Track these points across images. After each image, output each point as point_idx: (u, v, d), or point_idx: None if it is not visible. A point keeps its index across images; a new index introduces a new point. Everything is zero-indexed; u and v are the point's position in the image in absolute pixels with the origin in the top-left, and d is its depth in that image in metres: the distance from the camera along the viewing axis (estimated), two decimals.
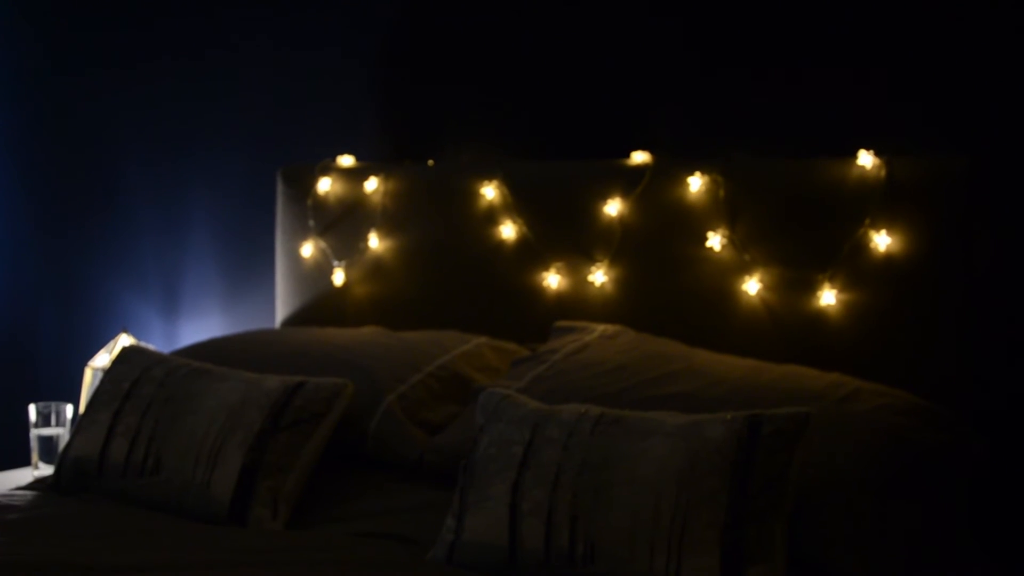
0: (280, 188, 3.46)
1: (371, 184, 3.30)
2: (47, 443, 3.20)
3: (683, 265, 2.89)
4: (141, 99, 3.90)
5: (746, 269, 2.82)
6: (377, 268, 3.30)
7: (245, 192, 3.71)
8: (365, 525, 2.49)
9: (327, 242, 3.37)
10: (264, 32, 3.69)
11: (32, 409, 3.21)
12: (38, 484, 2.81)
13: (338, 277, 3.34)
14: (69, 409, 3.25)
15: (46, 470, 3.13)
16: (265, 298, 3.64)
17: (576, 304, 3.01)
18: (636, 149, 2.99)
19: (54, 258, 4.10)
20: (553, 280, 3.04)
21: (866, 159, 2.70)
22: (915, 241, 2.65)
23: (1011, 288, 2.69)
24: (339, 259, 3.35)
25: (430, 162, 3.33)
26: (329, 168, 3.39)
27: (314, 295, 3.40)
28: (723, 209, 2.84)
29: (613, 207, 2.95)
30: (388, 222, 3.28)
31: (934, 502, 2.36)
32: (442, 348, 2.91)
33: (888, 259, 2.67)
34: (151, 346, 3.38)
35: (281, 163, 3.50)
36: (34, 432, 3.21)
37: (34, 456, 3.21)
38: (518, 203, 3.09)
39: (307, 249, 3.39)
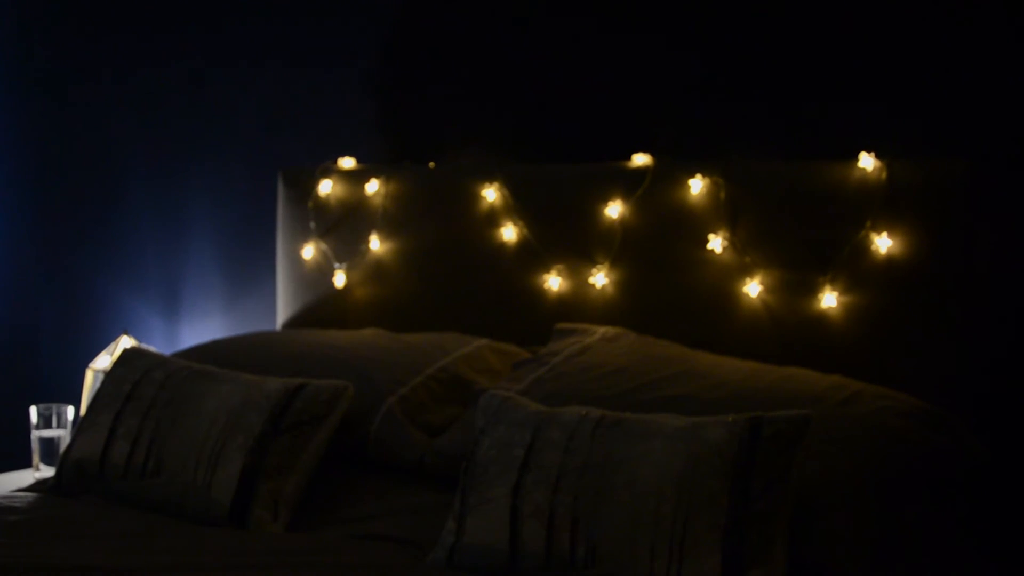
0: (281, 190, 3.46)
1: (372, 186, 3.30)
2: (48, 445, 3.20)
3: (684, 267, 2.89)
4: (142, 101, 3.91)
5: (747, 271, 2.82)
6: (378, 270, 3.30)
7: (246, 194, 3.71)
8: (365, 527, 2.49)
9: (328, 244, 3.37)
10: (265, 34, 3.69)
11: (33, 411, 3.22)
12: (39, 486, 2.81)
13: (339, 279, 3.34)
14: (70, 411, 3.25)
15: (47, 472, 3.14)
16: (266, 300, 3.64)
17: (577, 306, 3.01)
18: (637, 151, 2.99)
19: (55, 260, 4.11)
20: (554, 282, 3.04)
21: (867, 161, 2.70)
22: (916, 243, 2.65)
23: (1011, 290, 2.69)
24: (340, 261, 3.35)
25: (431, 164, 3.33)
26: (330, 170, 3.39)
27: (315, 297, 3.40)
28: (724, 211, 2.84)
29: (614, 209, 2.95)
30: (389, 224, 3.28)
31: (935, 504, 2.36)
32: (443, 350, 2.91)
33: (889, 261, 2.67)
34: (152, 348, 3.38)
35: (282, 165, 3.50)
36: (35, 434, 3.21)
37: (35, 458, 3.21)
38: (519, 205, 3.09)
39: (308, 251, 3.39)
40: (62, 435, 3.21)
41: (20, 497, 2.68)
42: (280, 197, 3.47)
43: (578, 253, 3.01)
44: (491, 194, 3.12)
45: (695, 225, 2.86)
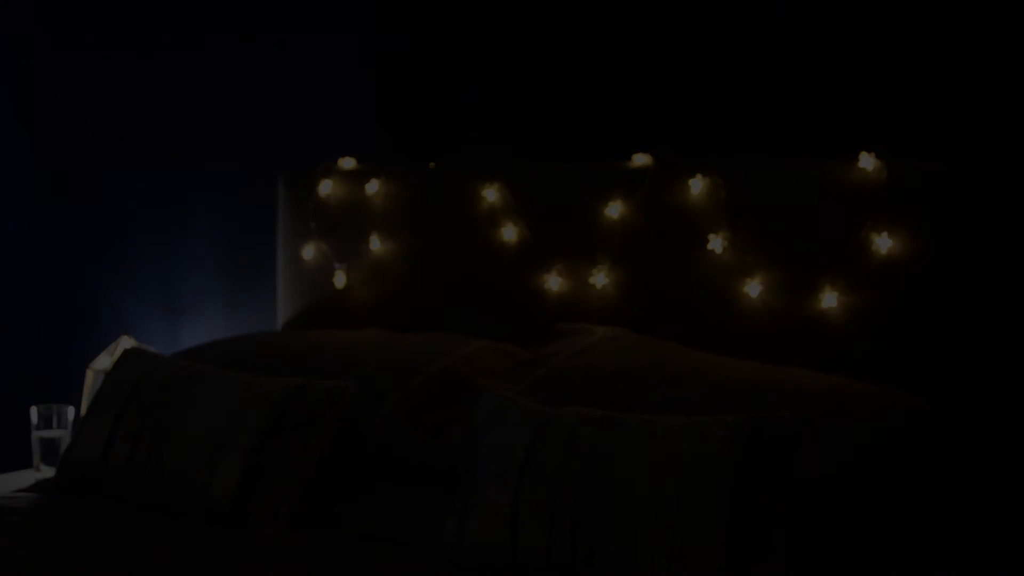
0: (281, 190, 3.46)
1: (372, 186, 3.30)
2: (49, 445, 3.20)
3: (684, 267, 2.89)
4: (142, 101, 3.90)
5: (747, 271, 2.82)
6: (378, 270, 3.30)
7: (246, 194, 3.71)
8: (365, 527, 2.49)
9: (328, 244, 3.37)
10: (265, 33, 3.69)
11: (33, 411, 3.21)
12: (40, 486, 2.81)
13: (339, 279, 3.34)
14: (71, 411, 3.24)
15: (48, 472, 3.13)
16: (266, 300, 3.64)
17: (577, 306, 3.00)
18: (637, 151, 2.99)
19: (55, 260, 4.10)
20: (554, 282, 3.04)
21: (867, 161, 2.70)
22: (916, 243, 2.65)
23: (1011, 290, 2.69)
24: (340, 261, 3.35)
25: (431, 164, 3.33)
26: (330, 170, 3.39)
27: (315, 297, 3.40)
28: (724, 211, 2.84)
29: (614, 209, 2.95)
30: (389, 224, 3.28)
31: (935, 505, 2.36)
32: (443, 351, 2.91)
33: (889, 261, 2.67)
34: (152, 348, 3.38)
35: (282, 165, 3.50)
36: (36, 434, 3.21)
37: (36, 458, 3.20)
38: (519, 205, 3.09)
39: (308, 251, 3.39)
40: (62, 435, 3.20)
41: (21, 497, 2.69)
42: (280, 197, 3.47)
43: (578, 253, 3.01)
44: (491, 194, 3.12)
45: (695, 225, 2.86)
